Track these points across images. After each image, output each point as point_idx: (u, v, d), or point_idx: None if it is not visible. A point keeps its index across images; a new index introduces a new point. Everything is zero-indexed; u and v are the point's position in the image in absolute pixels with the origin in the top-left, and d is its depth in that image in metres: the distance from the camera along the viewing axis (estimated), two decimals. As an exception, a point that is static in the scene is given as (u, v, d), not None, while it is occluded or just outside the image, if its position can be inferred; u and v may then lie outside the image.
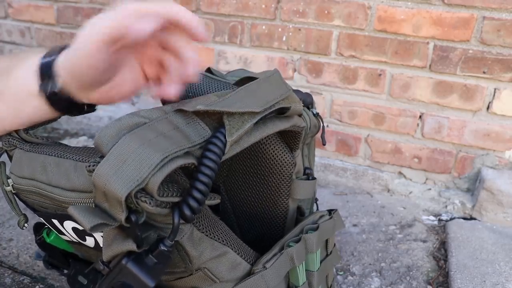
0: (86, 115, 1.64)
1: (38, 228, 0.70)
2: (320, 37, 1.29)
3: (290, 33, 1.32)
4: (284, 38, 1.33)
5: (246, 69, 0.90)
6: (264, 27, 1.34)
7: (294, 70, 1.35)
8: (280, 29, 1.33)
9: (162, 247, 0.44)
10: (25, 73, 0.53)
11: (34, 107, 0.54)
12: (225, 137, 0.47)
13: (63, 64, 0.50)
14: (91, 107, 0.58)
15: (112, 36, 0.45)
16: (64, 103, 0.54)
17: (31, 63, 0.53)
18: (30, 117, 0.55)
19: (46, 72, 0.52)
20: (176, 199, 0.44)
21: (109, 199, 0.41)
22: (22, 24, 1.74)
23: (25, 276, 0.90)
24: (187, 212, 0.43)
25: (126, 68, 0.54)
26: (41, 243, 0.69)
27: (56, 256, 0.72)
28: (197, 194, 0.43)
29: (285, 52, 1.35)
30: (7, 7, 1.73)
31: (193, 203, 0.43)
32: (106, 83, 0.52)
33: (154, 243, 0.45)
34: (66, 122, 1.73)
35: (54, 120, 0.60)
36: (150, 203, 0.41)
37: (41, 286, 0.88)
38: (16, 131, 0.59)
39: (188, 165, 0.44)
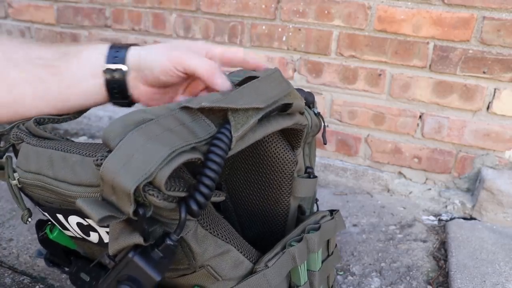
0: (86, 115, 1.64)
1: (40, 225, 0.70)
2: (320, 37, 1.29)
3: (290, 33, 1.32)
4: (284, 38, 1.33)
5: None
6: (264, 27, 1.34)
7: (294, 70, 1.35)
8: (280, 29, 1.33)
9: (168, 242, 0.45)
10: (91, 54, 0.59)
11: (88, 86, 0.59)
12: (231, 133, 0.47)
13: (137, 58, 0.60)
14: (129, 103, 0.65)
15: (191, 71, 0.58)
16: (117, 89, 0.61)
17: (100, 47, 0.60)
18: (78, 97, 0.60)
19: (115, 56, 0.59)
20: (183, 194, 0.44)
21: (117, 192, 0.41)
22: (22, 24, 1.73)
23: (25, 276, 0.90)
24: (194, 207, 0.43)
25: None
26: (44, 240, 0.69)
27: (58, 254, 0.72)
28: (204, 189, 0.43)
29: (285, 52, 1.35)
30: (7, 7, 1.73)
31: (200, 198, 0.43)
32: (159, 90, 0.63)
33: (160, 238, 0.45)
34: (67, 122, 1.72)
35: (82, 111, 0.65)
36: (157, 197, 0.41)
37: (41, 286, 0.87)
38: (26, 125, 0.59)
39: (194, 160, 0.44)
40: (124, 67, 0.59)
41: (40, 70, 0.57)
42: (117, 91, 0.61)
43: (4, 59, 0.56)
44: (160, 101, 0.65)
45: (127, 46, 0.61)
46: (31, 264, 0.93)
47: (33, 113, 0.60)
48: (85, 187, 0.49)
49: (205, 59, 0.59)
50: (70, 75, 0.58)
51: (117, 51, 0.60)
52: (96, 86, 0.60)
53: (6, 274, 0.90)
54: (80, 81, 0.59)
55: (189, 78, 0.63)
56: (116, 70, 0.59)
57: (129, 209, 0.41)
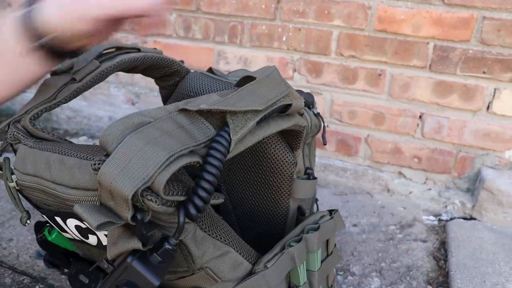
0: (86, 115, 1.65)
1: (39, 227, 0.70)
2: (320, 37, 1.29)
3: (290, 33, 1.32)
4: (284, 38, 1.33)
5: (247, 69, 0.91)
6: (264, 27, 1.34)
7: (294, 70, 1.35)
8: (280, 29, 1.33)
9: (167, 246, 0.45)
10: (8, 34, 0.56)
11: (28, 64, 0.57)
12: (229, 136, 0.47)
13: (54, 20, 0.55)
14: (76, 52, 0.62)
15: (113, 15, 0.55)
16: (54, 54, 0.58)
17: (9, 22, 0.56)
18: (25, 75, 0.59)
19: (31, 31, 0.55)
20: (182, 198, 0.44)
21: (115, 197, 0.41)
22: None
23: (25, 276, 0.90)
24: (192, 211, 0.43)
25: None
26: (42, 242, 0.69)
27: (57, 255, 0.72)
28: (202, 193, 0.43)
29: (285, 52, 1.35)
30: (6, 7, 1.73)
31: (198, 201, 0.43)
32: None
33: (159, 242, 0.45)
34: (66, 122, 1.73)
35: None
36: (156, 202, 0.41)
37: (41, 286, 0.87)
38: (23, 124, 0.59)
39: (193, 164, 0.44)
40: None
41: None
42: (32, 31, 0.57)
43: None
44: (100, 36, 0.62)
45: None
46: (31, 264, 0.93)
47: None
48: (83, 191, 0.49)
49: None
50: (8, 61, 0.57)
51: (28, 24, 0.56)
52: (33, 63, 0.58)
53: (6, 274, 0.90)
54: (6, 35, 0.57)
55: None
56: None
57: (127, 214, 0.41)
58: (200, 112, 0.49)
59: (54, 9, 0.55)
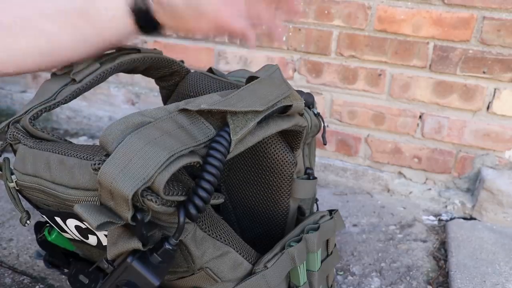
0: (86, 115, 1.65)
1: (39, 227, 0.70)
2: (320, 37, 1.29)
3: (290, 33, 1.32)
4: (284, 38, 1.33)
5: (247, 69, 0.91)
6: (264, 27, 1.34)
7: (294, 70, 1.35)
8: (280, 29, 1.32)
9: (167, 246, 0.44)
10: None
11: (118, 27, 0.62)
12: (230, 136, 0.47)
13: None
14: (162, 32, 0.66)
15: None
16: (148, 25, 0.63)
17: None
18: (110, 36, 0.63)
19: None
20: (182, 198, 0.44)
21: (115, 197, 0.41)
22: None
23: (25, 276, 0.90)
24: (192, 211, 0.43)
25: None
26: (42, 242, 0.69)
27: (57, 255, 0.72)
28: (202, 193, 0.43)
29: (285, 52, 1.35)
30: None
31: (198, 202, 0.43)
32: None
33: (159, 242, 0.45)
34: (66, 122, 1.73)
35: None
36: (156, 202, 0.41)
37: (41, 286, 0.88)
38: (22, 124, 0.59)
39: (193, 164, 0.44)
40: (150, 10, 0.61)
41: (73, 20, 0.59)
42: (148, 27, 0.63)
43: (38, 14, 0.59)
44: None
45: None
46: (31, 264, 0.93)
47: (75, 57, 0.63)
48: (83, 191, 0.49)
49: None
50: (101, 20, 0.60)
51: None
52: (127, 26, 0.62)
53: (6, 274, 0.90)
54: (111, 24, 0.61)
55: None
56: (142, 11, 0.61)
57: (127, 214, 0.41)
58: (201, 112, 0.49)
59: None
